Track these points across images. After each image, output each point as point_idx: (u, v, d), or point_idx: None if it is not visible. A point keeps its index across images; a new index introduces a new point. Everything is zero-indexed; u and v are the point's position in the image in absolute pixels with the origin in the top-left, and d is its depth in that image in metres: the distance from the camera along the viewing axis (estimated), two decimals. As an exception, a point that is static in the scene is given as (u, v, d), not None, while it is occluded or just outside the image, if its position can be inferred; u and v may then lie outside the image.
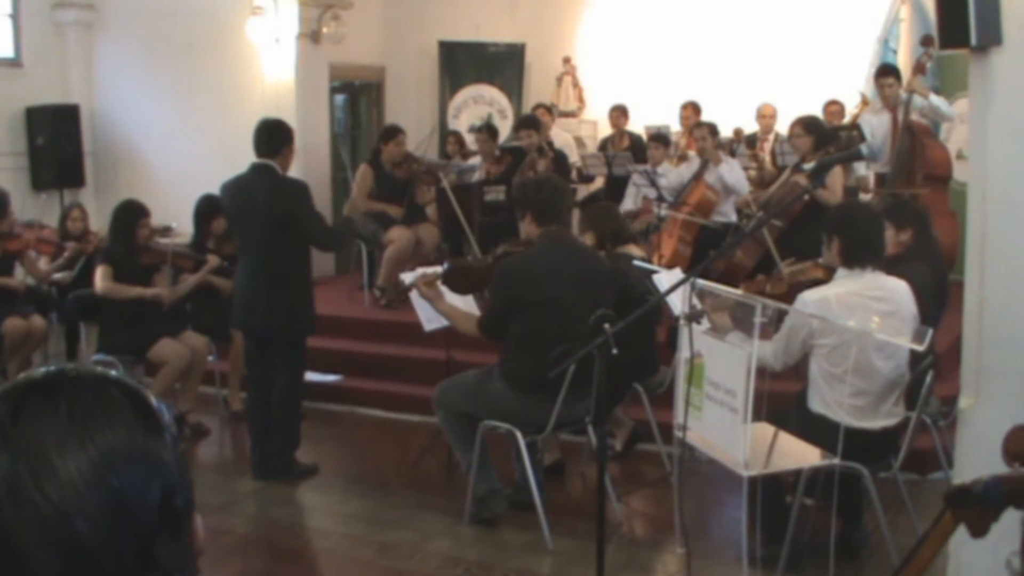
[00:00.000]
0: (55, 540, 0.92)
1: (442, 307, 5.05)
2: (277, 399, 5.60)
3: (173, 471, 1.00)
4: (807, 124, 7.11)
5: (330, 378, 7.14)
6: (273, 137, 5.56)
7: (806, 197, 6.46)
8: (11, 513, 0.92)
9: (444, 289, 5.03)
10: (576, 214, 6.39)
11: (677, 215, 7.62)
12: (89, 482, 0.94)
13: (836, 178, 6.95)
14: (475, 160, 9.06)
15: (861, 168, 7.69)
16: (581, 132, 10.94)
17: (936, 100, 7.13)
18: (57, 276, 7.14)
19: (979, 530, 2.17)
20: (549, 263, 4.75)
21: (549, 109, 9.85)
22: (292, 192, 5.53)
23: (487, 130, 8.92)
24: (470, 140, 9.92)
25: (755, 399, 3.76)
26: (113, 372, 1.03)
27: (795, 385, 4.53)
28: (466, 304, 5.23)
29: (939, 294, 4.97)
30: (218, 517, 5.13)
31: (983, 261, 3.59)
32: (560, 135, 9.73)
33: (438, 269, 5.23)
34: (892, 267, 4.45)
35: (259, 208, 5.44)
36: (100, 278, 6.27)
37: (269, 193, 5.45)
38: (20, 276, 7.20)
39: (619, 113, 10.11)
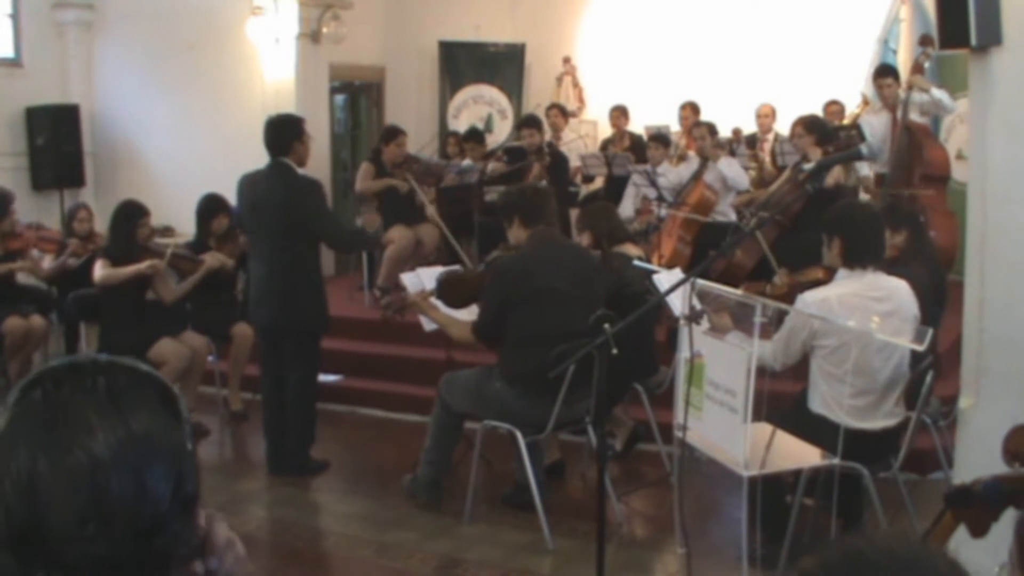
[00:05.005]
0: (81, 487, 1.02)
1: (437, 317, 5.12)
2: (292, 396, 5.63)
3: (189, 459, 1.11)
4: (808, 124, 7.11)
5: (330, 378, 7.14)
6: (280, 135, 5.54)
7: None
8: (45, 463, 1.02)
9: (440, 303, 5.08)
10: (574, 214, 6.44)
11: (676, 215, 7.63)
12: (124, 444, 1.04)
13: (835, 178, 6.94)
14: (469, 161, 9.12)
15: (864, 168, 7.69)
16: (581, 132, 10.94)
17: (938, 93, 7.12)
18: (71, 261, 7.08)
19: (979, 530, 2.17)
20: (540, 258, 4.84)
21: (562, 110, 9.88)
22: (305, 192, 5.51)
23: (473, 137, 9.19)
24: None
25: (755, 399, 3.75)
26: (143, 364, 1.15)
27: (795, 385, 4.52)
28: (469, 314, 5.23)
29: (937, 294, 4.97)
30: (218, 517, 5.13)
31: (983, 261, 3.59)
32: (569, 136, 9.78)
33: (437, 270, 5.27)
34: (888, 270, 4.44)
35: (273, 206, 5.46)
36: (99, 268, 6.23)
37: (283, 193, 5.46)
38: (20, 278, 7.18)
39: (619, 113, 10.10)
